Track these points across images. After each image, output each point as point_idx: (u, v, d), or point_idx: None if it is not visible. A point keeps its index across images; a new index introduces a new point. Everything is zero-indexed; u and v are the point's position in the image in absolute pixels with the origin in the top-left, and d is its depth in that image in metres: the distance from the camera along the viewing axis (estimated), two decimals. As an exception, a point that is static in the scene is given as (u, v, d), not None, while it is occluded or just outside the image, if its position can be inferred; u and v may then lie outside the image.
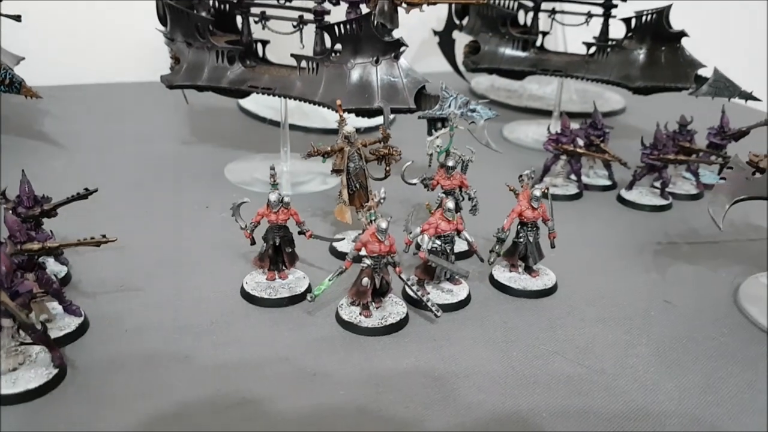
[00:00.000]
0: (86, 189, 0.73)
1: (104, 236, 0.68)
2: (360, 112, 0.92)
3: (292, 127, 1.15)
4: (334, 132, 0.91)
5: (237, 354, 0.67)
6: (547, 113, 1.39)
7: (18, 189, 0.71)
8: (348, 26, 0.92)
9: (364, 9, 0.95)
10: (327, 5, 0.96)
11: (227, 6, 1.03)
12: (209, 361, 0.66)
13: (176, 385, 0.62)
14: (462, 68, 1.39)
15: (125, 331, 0.69)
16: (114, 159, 1.12)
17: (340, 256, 0.83)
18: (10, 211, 0.69)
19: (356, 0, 0.94)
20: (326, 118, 1.18)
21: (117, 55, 1.49)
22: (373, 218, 0.72)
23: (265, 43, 1.05)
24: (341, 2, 0.95)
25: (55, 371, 0.61)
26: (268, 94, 0.99)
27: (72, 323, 0.68)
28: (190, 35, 1.00)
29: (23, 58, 1.10)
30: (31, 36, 1.20)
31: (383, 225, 0.68)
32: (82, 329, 0.68)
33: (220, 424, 0.58)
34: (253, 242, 0.76)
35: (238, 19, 1.04)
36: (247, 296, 0.75)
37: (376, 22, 0.91)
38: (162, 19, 1.05)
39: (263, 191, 0.93)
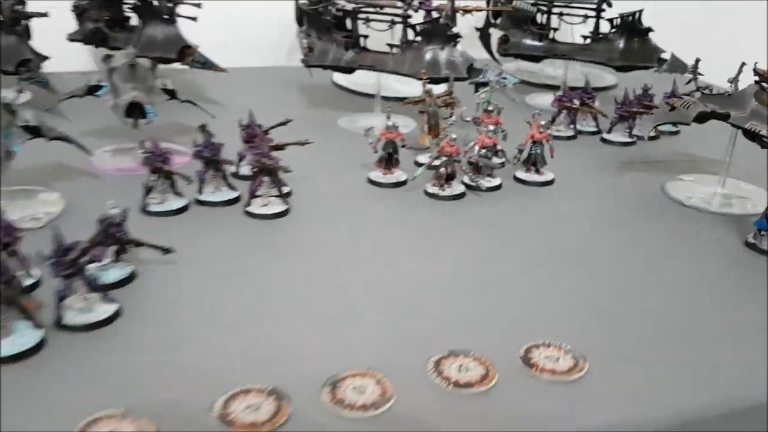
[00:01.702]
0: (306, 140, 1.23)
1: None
2: (433, 80, 1.45)
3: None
4: (400, 99, 1.47)
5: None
6: (557, 87, 1.90)
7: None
8: (425, 25, 1.46)
9: (434, 14, 1.48)
10: (410, 11, 1.50)
11: (343, 13, 1.56)
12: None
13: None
14: (496, 55, 1.92)
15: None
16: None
17: (419, 163, 1.36)
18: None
19: (430, 8, 1.47)
20: (398, 90, 1.73)
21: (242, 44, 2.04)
22: (446, 135, 1.24)
23: (366, 37, 1.58)
24: (420, 9, 1.49)
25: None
26: (371, 70, 1.53)
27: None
28: (320, 32, 1.54)
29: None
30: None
31: (453, 136, 1.21)
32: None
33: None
34: (375, 151, 1.29)
35: (347, 21, 1.58)
36: (372, 183, 1.29)
37: (442, 23, 1.45)
38: (299, 21, 1.59)
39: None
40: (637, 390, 0.77)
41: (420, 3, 1.47)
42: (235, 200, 1.16)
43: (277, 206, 1.14)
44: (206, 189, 1.16)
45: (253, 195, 1.13)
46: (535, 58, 1.82)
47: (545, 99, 1.85)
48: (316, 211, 1.17)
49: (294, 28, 1.76)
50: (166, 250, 0.92)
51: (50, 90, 1.44)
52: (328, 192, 1.24)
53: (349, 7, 1.52)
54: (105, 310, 0.83)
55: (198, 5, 1.49)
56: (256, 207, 1.13)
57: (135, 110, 1.18)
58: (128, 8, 1.60)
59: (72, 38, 1.64)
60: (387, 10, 1.51)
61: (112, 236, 0.87)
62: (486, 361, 0.79)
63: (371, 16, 1.53)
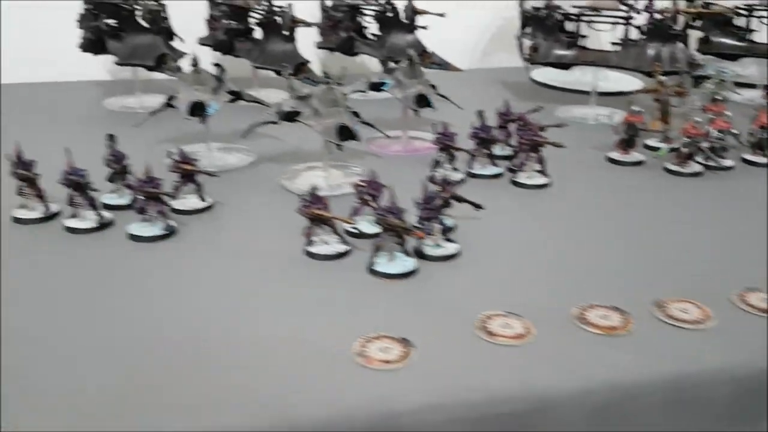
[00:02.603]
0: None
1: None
2: (665, 73, 1.59)
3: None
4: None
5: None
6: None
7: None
8: (648, 26, 1.63)
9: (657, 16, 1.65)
10: (632, 13, 1.67)
11: (564, 16, 1.75)
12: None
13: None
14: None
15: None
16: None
17: (649, 146, 1.52)
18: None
19: (653, 11, 1.64)
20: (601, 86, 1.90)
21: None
22: (689, 119, 1.40)
23: (584, 37, 1.77)
24: (644, 12, 1.66)
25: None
26: (594, 66, 1.71)
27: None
28: (546, 34, 1.74)
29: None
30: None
31: (698, 119, 1.37)
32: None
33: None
34: (617, 134, 1.47)
35: (567, 24, 1.77)
36: (612, 161, 1.46)
37: (666, 23, 1.62)
38: (523, 25, 1.80)
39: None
40: None
41: (645, 7, 1.64)
42: (500, 175, 1.38)
43: (539, 178, 1.35)
44: (476, 165, 1.39)
45: (520, 167, 1.34)
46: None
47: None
48: (570, 179, 1.36)
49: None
50: (479, 206, 1.14)
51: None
52: (573, 168, 1.42)
53: (575, 11, 1.71)
54: (452, 247, 1.07)
55: (442, 15, 1.74)
56: (521, 177, 1.35)
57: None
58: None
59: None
60: (610, 12, 1.69)
61: (448, 193, 1.10)
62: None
63: (594, 18, 1.72)
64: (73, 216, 1.13)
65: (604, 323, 0.88)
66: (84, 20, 1.74)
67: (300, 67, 1.73)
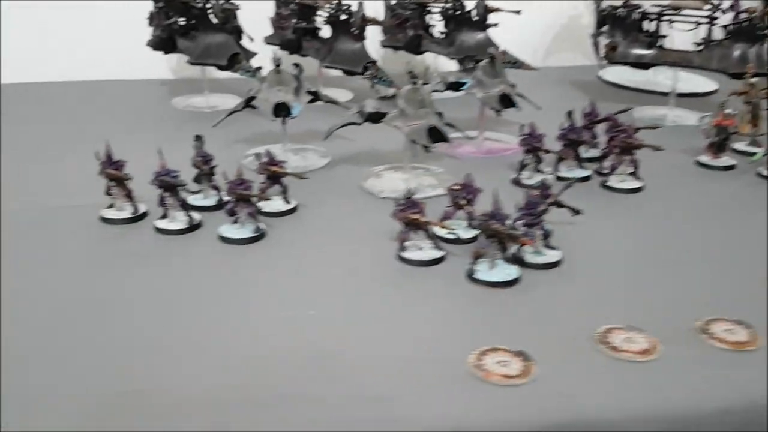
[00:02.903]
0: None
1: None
2: (756, 74, 1.52)
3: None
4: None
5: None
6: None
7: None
8: (733, 26, 1.57)
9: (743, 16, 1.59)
10: (717, 14, 1.61)
11: (643, 15, 1.70)
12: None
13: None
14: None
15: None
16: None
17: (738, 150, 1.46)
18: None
19: (739, 10, 1.58)
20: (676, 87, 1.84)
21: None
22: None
23: (664, 36, 1.71)
24: (730, 11, 1.60)
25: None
26: (675, 66, 1.66)
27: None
28: (624, 33, 1.68)
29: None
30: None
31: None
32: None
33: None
34: (707, 137, 1.41)
35: (646, 23, 1.71)
36: (702, 165, 1.41)
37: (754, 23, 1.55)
38: (599, 24, 1.75)
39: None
40: None
41: (731, 6, 1.58)
42: (588, 178, 1.34)
43: (631, 182, 1.30)
44: (562, 168, 1.34)
45: (613, 171, 1.30)
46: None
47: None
48: (662, 184, 1.31)
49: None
50: (578, 211, 1.09)
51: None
52: (663, 172, 1.36)
53: (655, 10, 1.66)
54: (552, 254, 1.03)
55: (518, 12, 1.69)
56: (613, 181, 1.30)
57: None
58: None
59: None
60: (692, 12, 1.63)
61: (546, 198, 1.06)
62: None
63: (675, 18, 1.66)
64: (164, 217, 1.12)
65: (731, 338, 0.83)
66: (154, 19, 1.74)
67: (368, 67, 1.71)
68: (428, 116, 1.21)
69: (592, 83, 2.06)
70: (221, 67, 1.67)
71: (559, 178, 1.32)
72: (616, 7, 1.71)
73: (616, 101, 1.82)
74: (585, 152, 1.40)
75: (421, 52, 1.89)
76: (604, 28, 1.75)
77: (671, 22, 1.66)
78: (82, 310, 0.92)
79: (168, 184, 1.09)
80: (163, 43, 1.72)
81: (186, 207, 1.11)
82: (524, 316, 0.91)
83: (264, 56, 1.97)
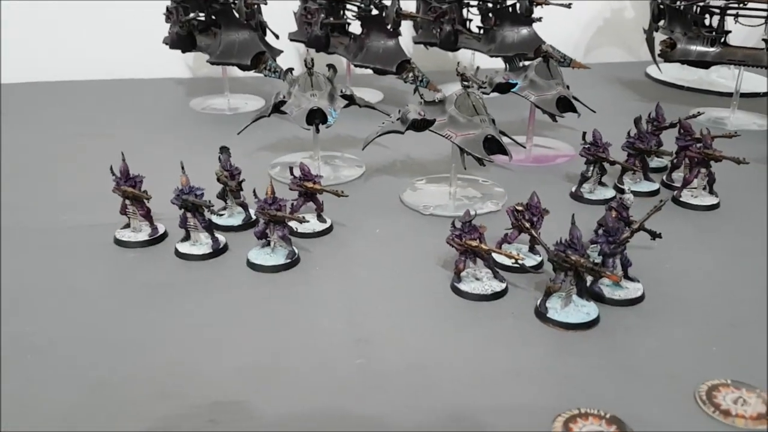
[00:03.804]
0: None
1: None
2: None
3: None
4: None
5: None
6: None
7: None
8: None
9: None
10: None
11: (704, 9, 1.55)
12: None
13: None
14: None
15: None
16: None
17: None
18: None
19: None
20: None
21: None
22: None
23: (728, 32, 1.56)
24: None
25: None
26: (741, 65, 1.51)
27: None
28: (685, 28, 1.54)
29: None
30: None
31: None
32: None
33: None
34: None
35: (708, 18, 1.56)
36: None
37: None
38: (656, 18, 1.61)
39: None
40: None
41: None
42: (656, 191, 1.20)
43: (707, 198, 1.15)
44: (626, 180, 1.20)
45: (687, 185, 1.16)
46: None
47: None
48: (739, 200, 1.17)
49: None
50: (658, 235, 0.95)
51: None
52: (738, 185, 1.21)
53: (719, 3, 1.51)
54: (633, 287, 0.89)
55: (568, 6, 1.55)
56: (686, 196, 1.16)
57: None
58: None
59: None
60: (758, 5, 1.48)
61: (625, 219, 0.92)
62: None
63: (741, 11, 1.51)
64: (185, 239, 1.00)
65: None
66: (172, 14, 1.61)
67: (405, 66, 1.58)
68: (483, 125, 1.08)
69: (641, 82, 1.92)
70: (244, 68, 1.55)
71: (618, 190, 1.19)
72: (675, 1, 1.56)
73: (671, 102, 1.69)
74: (651, 162, 1.26)
75: (457, 49, 1.77)
76: (661, 23, 1.61)
77: (737, 16, 1.51)
78: (91, 351, 0.79)
79: (192, 205, 0.96)
80: (182, 40, 1.59)
81: (211, 229, 0.99)
82: (609, 366, 0.77)
83: (288, 55, 1.87)
